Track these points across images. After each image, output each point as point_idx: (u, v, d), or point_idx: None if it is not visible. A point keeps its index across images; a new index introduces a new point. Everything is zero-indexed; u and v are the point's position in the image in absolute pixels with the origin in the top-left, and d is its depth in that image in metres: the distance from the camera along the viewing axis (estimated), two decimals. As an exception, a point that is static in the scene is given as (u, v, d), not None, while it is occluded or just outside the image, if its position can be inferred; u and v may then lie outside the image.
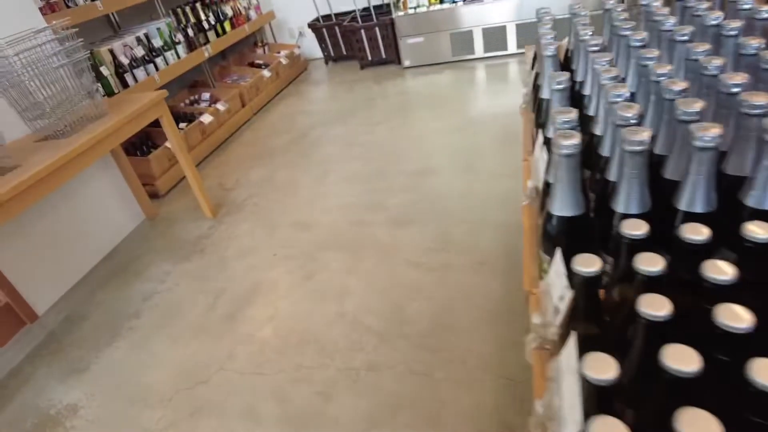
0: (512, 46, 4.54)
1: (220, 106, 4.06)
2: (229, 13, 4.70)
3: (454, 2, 4.50)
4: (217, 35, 4.49)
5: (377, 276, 2.26)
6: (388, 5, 4.77)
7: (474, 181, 2.84)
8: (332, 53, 5.50)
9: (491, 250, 2.29)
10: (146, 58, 3.62)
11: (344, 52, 5.42)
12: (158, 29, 3.81)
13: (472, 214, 2.56)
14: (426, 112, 3.88)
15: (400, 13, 4.62)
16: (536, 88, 1.39)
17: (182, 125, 3.79)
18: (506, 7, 4.35)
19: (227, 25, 4.62)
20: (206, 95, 4.35)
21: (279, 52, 5.38)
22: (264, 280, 2.39)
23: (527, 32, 4.41)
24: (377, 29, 4.78)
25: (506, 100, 3.78)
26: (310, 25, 5.34)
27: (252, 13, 5.03)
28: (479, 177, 2.87)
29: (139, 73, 3.52)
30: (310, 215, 2.84)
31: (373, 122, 3.90)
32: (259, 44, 5.49)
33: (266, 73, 4.78)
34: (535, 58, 1.59)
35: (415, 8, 4.59)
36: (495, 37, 4.51)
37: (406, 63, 4.84)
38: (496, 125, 3.40)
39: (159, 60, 3.73)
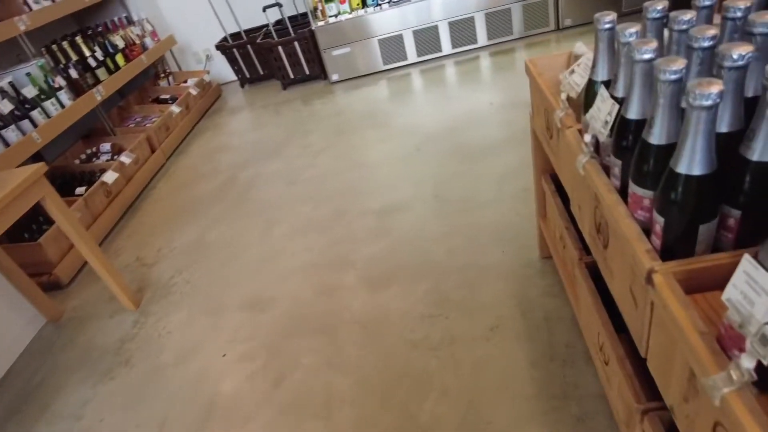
0: (447, 47, 4.18)
1: (124, 158, 3.36)
2: (120, 44, 3.97)
3: (378, 5, 4.06)
4: (109, 72, 3.75)
5: (369, 368, 1.77)
6: (304, 16, 4.25)
7: (451, 214, 2.41)
8: (247, 74, 4.89)
9: (498, 307, 1.87)
10: (17, 113, 2.87)
11: (261, 72, 4.83)
12: (29, 74, 3.06)
13: (461, 258, 2.13)
14: (371, 133, 3.41)
15: (320, 24, 4.11)
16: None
17: (80, 190, 3.08)
18: (436, 4, 3.97)
19: (120, 59, 3.89)
20: (106, 146, 3.62)
21: (186, 81, 4.70)
22: (217, 396, 1.82)
23: (461, 30, 4.07)
24: (296, 43, 4.25)
25: (458, 108, 3.39)
26: (218, 47, 4.69)
27: (148, 41, 4.32)
28: (455, 207, 2.45)
29: (10, 134, 2.77)
30: (261, 288, 2.29)
31: (313, 151, 3.38)
32: (162, 75, 4.76)
33: (175, 108, 4.10)
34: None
35: (336, 16, 4.11)
36: (427, 38, 4.12)
37: (334, 77, 4.35)
38: (455, 140, 3.00)
39: (36, 113, 2.99)
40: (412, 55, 4.22)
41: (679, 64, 0.67)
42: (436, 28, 4.07)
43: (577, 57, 1.40)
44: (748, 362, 0.54)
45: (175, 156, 3.93)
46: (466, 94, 3.55)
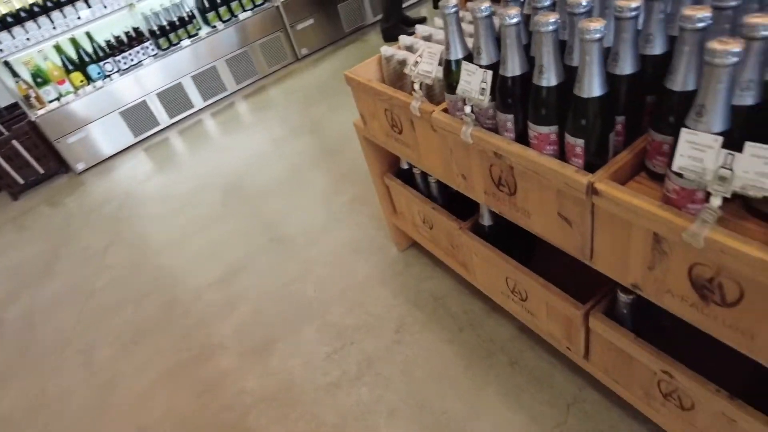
0: (198, 101, 4.02)
1: None
2: None
3: (106, 77, 3.65)
4: None
5: None
6: (14, 107, 3.54)
7: (297, 250, 2.35)
8: (-51, 198, 3.79)
9: (391, 310, 1.92)
10: None
11: (-30, 190, 3.81)
12: None
13: (333, 285, 2.10)
14: (158, 208, 3.05)
15: (40, 112, 3.47)
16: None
17: None
18: (173, 62, 3.78)
19: None
20: None
21: None
22: None
23: (207, 81, 3.97)
24: (15, 142, 3.49)
25: (241, 154, 3.30)
26: None
27: None
28: (297, 242, 2.39)
29: None
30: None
31: (96, 252, 2.83)
32: None
33: None
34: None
35: (58, 99, 3.53)
36: (175, 98, 3.89)
37: (80, 166, 3.73)
38: (257, 182, 2.93)
39: None
40: (164, 119, 3.92)
41: (553, 16, 0.83)
42: (180, 85, 3.88)
43: (388, 59, 1.55)
44: (716, 201, 0.71)
45: None
46: (242, 139, 3.49)
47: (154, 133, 3.94)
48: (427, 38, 1.57)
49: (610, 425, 1.41)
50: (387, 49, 1.55)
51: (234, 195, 2.91)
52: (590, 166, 0.91)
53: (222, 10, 3.89)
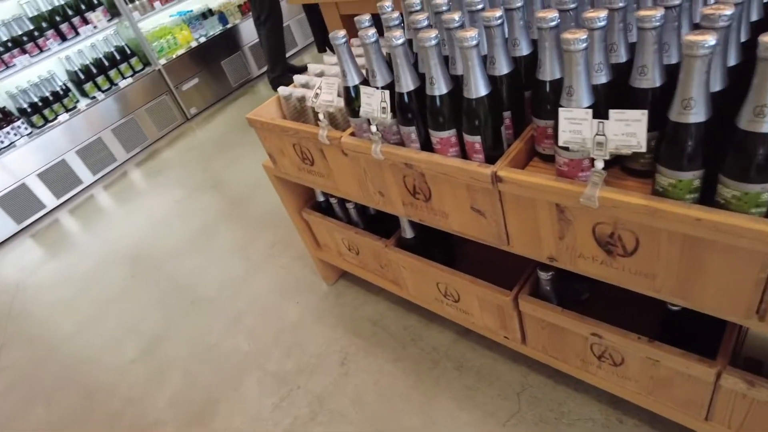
0: (87, 177, 3.77)
1: None
2: None
3: (-27, 165, 3.31)
4: None
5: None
6: None
7: (222, 306, 2.26)
8: None
9: (332, 343, 1.91)
10: None
11: None
12: None
13: (267, 333, 2.05)
14: (60, 291, 2.77)
15: None
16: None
17: None
18: (53, 139, 3.54)
19: None
20: None
21: None
22: None
23: (95, 154, 3.75)
24: None
25: (145, 219, 3.13)
26: None
27: None
28: (221, 298, 2.30)
29: None
30: None
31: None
32: None
33: None
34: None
35: None
36: (60, 176, 3.61)
37: (-47, 268, 3.30)
38: (166, 245, 2.79)
39: None
40: (49, 201, 3.62)
41: (434, 32, 0.93)
42: (64, 162, 3.62)
43: (287, 98, 1.60)
44: (599, 164, 0.83)
45: None
46: (141, 206, 3.31)
47: (41, 217, 3.62)
48: (319, 75, 1.65)
49: (559, 403, 1.50)
50: (284, 89, 1.60)
51: (142, 264, 2.74)
52: (490, 159, 1.01)
53: (100, 79, 3.74)
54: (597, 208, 0.85)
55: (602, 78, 0.86)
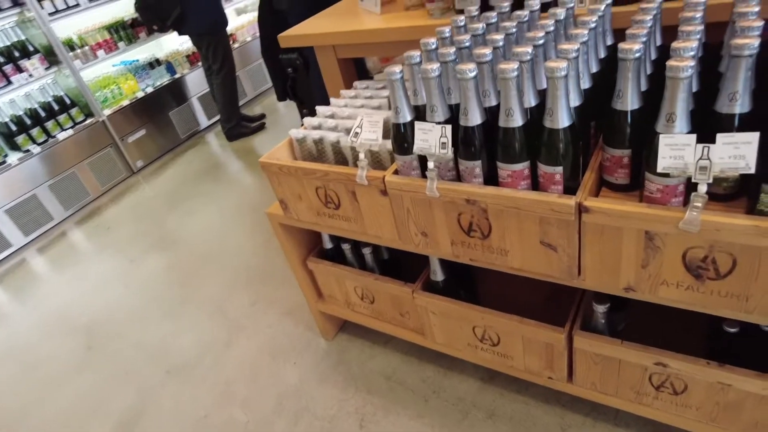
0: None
1: None
2: None
3: None
4: None
5: None
6: None
7: (209, 373, 2.03)
8: None
9: (345, 404, 1.76)
10: None
11: None
12: None
13: (266, 400, 1.85)
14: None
15: None
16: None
17: None
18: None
19: None
20: None
21: None
22: None
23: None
24: None
25: (97, 286, 2.80)
26: None
27: None
28: (206, 364, 2.07)
29: None
30: None
31: None
32: None
33: None
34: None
35: None
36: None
37: None
38: (130, 310, 2.50)
39: None
40: (18, 240, 3.16)
41: (513, 64, 0.93)
42: (35, 197, 3.21)
43: (300, 141, 1.52)
44: (703, 188, 0.84)
45: None
46: (88, 269, 2.97)
47: (8, 257, 3.13)
48: (330, 117, 1.60)
49: (600, 440, 1.45)
50: (297, 132, 1.52)
51: (99, 333, 2.42)
52: (568, 190, 1.00)
53: (35, 131, 3.41)
54: (696, 233, 0.86)
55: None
